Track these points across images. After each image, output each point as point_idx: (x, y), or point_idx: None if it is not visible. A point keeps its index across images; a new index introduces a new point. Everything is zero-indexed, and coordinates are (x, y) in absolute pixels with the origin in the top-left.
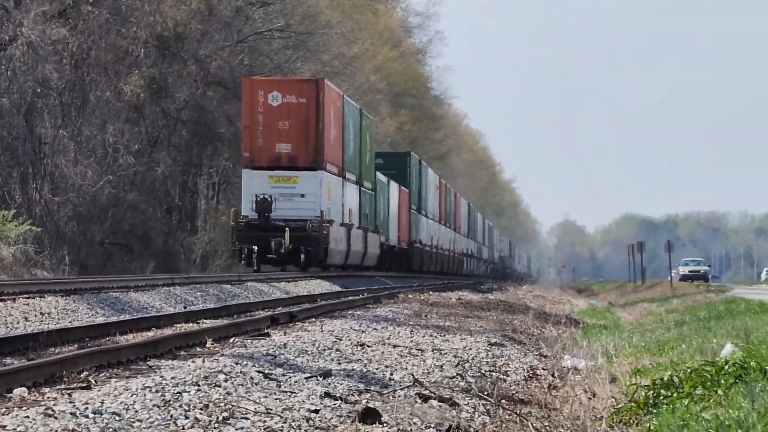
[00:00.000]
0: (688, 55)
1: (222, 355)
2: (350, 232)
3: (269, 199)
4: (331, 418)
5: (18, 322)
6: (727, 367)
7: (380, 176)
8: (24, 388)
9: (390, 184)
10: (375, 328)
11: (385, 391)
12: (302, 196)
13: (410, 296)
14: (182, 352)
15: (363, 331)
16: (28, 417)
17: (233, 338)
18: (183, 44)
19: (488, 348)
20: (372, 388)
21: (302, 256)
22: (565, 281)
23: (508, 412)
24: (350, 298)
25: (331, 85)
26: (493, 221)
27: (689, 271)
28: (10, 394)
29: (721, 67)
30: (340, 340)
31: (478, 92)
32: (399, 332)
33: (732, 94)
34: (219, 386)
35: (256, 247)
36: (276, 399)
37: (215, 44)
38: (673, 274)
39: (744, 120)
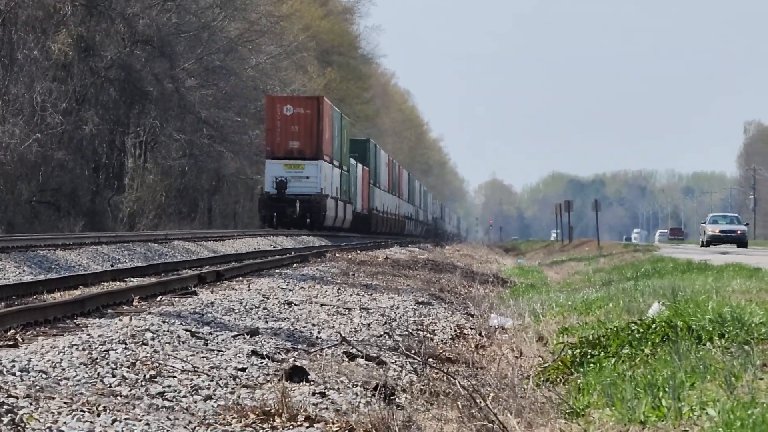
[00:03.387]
0: (621, 18)
1: (149, 313)
2: (337, 203)
3: (285, 180)
4: (258, 377)
5: None
6: (654, 326)
7: (351, 160)
8: None
9: (357, 166)
10: (302, 287)
11: (312, 350)
12: (307, 178)
13: (338, 255)
14: (109, 311)
15: (290, 290)
16: None
17: (160, 297)
18: (110, 2)
19: (415, 307)
20: (299, 346)
21: (308, 220)
22: (492, 240)
23: (436, 370)
24: (278, 257)
25: (327, 101)
26: (420, 180)
27: (720, 232)
28: None
29: (652, 30)
30: (268, 298)
31: (406, 51)
32: (326, 291)
33: (660, 56)
34: (146, 344)
35: (275, 213)
36: (203, 357)
37: (143, 3)
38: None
39: (670, 80)
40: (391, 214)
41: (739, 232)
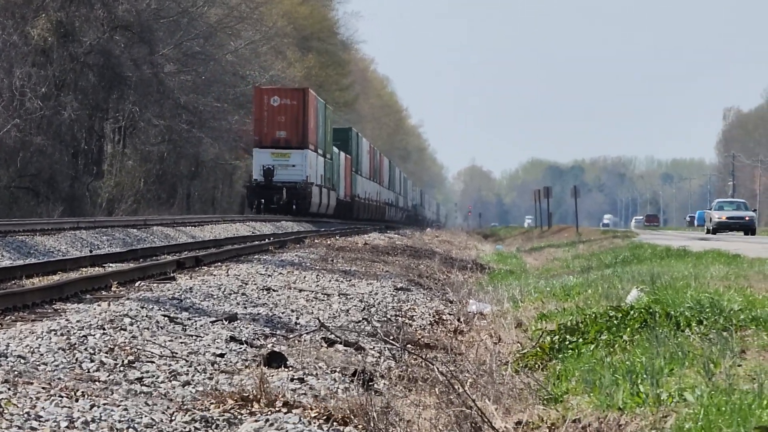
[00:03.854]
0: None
1: (128, 298)
2: (321, 191)
3: (272, 168)
4: (237, 362)
5: None
6: (632, 312)
7: (334, 149)
8: None
9: (340, 154)
10: (281, 273)
11: (291, 336)
12: (293, 166)
13: (317, 241)
14: (88, 296)
15: (269, 276)
16: None
17: (139, 282)
18: None
19: (394, 293)
20: (278, 332)
21: (294, 207)
22: (471, 226)
23: (414, 356)
24: (256, 242)
25: (312, 92)
26: (400, 166)
27: (727, 218)
28: None
29: (634, 16)
30: (246, 284)
31: (386, 37)
32: (305, 276)
33: (639, 44)
34: (124, 330)
35: (263, 200)
36: (181, 343)
37: None
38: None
39: (649, 68)
40: (373, 201)
41: (747, 218)
